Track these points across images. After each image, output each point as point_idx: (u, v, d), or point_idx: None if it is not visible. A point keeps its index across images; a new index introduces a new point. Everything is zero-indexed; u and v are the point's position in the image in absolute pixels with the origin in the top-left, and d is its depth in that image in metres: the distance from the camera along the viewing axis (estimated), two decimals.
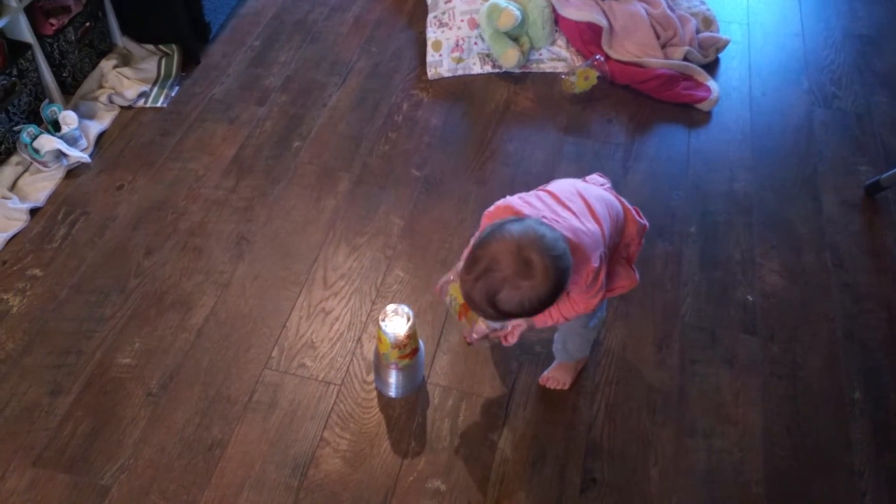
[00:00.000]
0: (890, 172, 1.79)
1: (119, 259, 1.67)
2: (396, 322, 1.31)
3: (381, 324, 1.30)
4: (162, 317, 1.57)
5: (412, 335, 1.33)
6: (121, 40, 2.10)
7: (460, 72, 2.15)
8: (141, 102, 2.00)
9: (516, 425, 1.43)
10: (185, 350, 1.52)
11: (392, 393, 1.44)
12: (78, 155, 1.82)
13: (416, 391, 1.46)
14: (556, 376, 1.48)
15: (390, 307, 1.33)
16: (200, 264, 1.66)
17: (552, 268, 1.00)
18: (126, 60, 2.08)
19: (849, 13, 2.42)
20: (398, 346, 1.32)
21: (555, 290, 1.02)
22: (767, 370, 1.53)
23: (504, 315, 1.05)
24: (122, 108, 1.99)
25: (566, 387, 1.48)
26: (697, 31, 2.21)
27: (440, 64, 2.14)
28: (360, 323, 1.57)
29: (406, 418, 1.43)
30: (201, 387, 1.46)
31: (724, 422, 1.45)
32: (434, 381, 1.49)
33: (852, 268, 1.71)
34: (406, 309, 1.32)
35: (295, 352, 1.52)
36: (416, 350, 1.38)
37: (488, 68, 2.16)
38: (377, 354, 1.39)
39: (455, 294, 1.25)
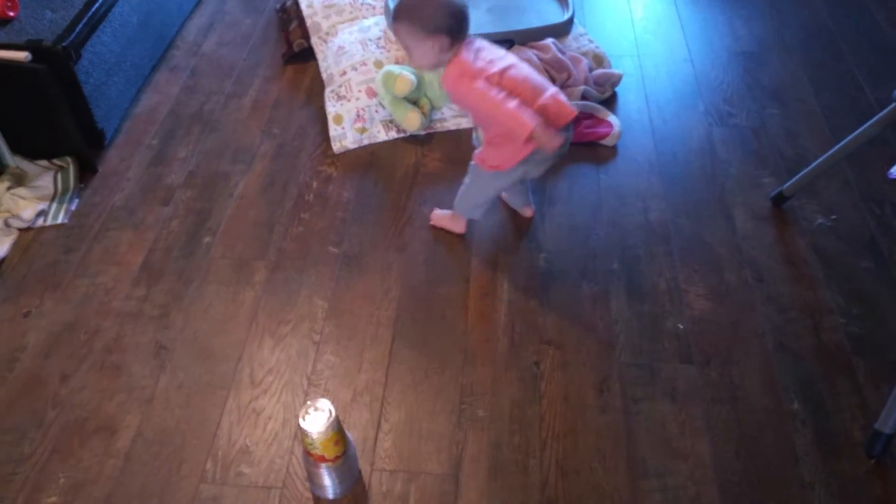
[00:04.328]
0: (791, 182, 1.85)
1: (33, 391, 1.57)
2: (316, 418, 1.26)
3: (301, 422, 1.25)
4: (86, 445, 1.48)
5: (338, 431, 1.28)
6: (12, 160, 2.02)
7: (366, 141, 2.15)
8: (40, 222, 1.92)
9: (470, 497, 1.39)
10: (114, 477, 1.43)
11: (329, 495, 1.38)
12: None
13: (354, 486, 1.40)
14: (436, 215, 1.89)
15: (309, 404, 1.28)
16: (120, 382, 1.58)
17: None
18: (20, 180, 2.00)
19: (730, 33, 2.54)
20: (323, 443, 1.27)
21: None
22: (708, 397, 1.53)
23: None
24: (20, 230, 1.91)
25: (437, 224, 1.88)
26: (590, 70, 2.27)
27: (344, 137, 2.13)
28: (295, 418, 1.51)
29: None
30: None
31: (675, 457, 1.44)
32: (379, 467, 1.43)
33: (772, 280, 1.75)
34: (327, 404, 1.27)
35: (230, 460, 1.45)
36: (344, 446, 1.32)
37: (393, 134, 2.16)
38: (305, 457, 1.33)
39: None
